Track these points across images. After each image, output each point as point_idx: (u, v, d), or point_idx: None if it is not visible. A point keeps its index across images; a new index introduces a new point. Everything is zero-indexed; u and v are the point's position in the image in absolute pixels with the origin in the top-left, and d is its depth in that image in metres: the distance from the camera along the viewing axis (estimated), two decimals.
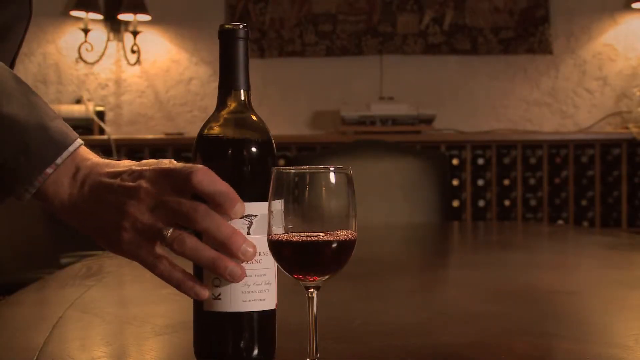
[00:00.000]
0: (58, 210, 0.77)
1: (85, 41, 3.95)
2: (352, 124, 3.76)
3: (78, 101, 4.00)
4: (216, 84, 0.80)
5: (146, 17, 3.96)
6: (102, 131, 3.84)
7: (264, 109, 3.91)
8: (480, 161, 3.76)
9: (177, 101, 4.11)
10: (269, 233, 0.71)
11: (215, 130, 0.77)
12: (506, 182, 3.77)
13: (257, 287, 0.75)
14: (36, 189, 0.76)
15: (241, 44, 0.78)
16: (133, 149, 3.77)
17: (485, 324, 0.98)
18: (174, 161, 0.75)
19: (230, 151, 0.76)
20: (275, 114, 4.00)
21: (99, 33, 4.04)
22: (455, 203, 3.72)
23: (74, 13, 3.92)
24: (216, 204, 0.71)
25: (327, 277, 0.72)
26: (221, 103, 0.78)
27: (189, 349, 0.79)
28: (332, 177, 0.71)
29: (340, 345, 0.85)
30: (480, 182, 3.76)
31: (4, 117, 0.75)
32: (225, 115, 0.78)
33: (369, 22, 4.06)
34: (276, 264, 0.75)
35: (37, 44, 4.06)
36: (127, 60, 4.06)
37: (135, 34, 3.99)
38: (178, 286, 0.74)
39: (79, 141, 0.78)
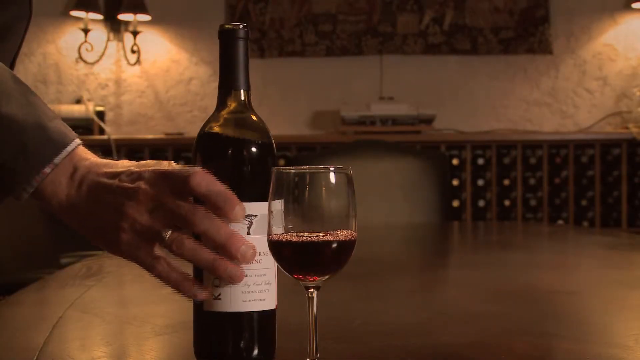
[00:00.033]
0: (56, 210, 0.77)
1: (85, 41, 3.95)
2: (352, 124, 3.76)
3: (78, 101, 4.00)
4: (216, 84, 0.80)
5: (146, 17, 3.96)
6: (102, 131, 3.84)
7: (264, 109, 3.91)
8: (480, 161, 3.76)
9: (177, 101, 4.11)
10: (269, 233, 0.71)
11: (216, 130, 0.77)
12: (506, 182, 3.77)
13: (257, 287, 0.75)
14: (34, 188, 0.76)
15: (241, 44, 0.78)
16: (133, 149, 3.77)
17: (485, 324, 0.98)
18: (173, 163, 0.75)
19: (230, 151, 0.76)
20: (275, 114, 4.00)
21: (99, 33, 4.04)
22: (455, 203, 3.73)
23: (74, 13, 3.92)
24: (215, 207, 0.71)
25: (327, 277, 0.72)
26: (221, 103, 0.78)
27: (189, 349, 0.79)
28: (332, 177, 0.71)
29: (340, 345, 0.85)
30: (480, 182, 3.76)
31: (2, 117, 0.75)
32: (225, 115, 0.78)
33: (369, 22, 4.06)
34: (276, 264, 0.75)
35: (37, 44, 4.06)
36: (127, 60, 4.06)
37: (135, 34, 3.99)
38: (176, 287, 0.74)
39: (77, 141, 0.78)
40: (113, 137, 3.75)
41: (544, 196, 3.76)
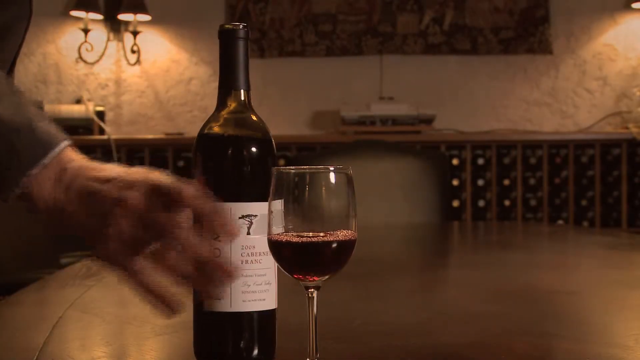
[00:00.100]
0: (42, 212, 0.76)
1: (85, 41, 3.95)
2: (352, 124, 3.76)
3: (78, 101, 4.00)
4: (216, 84, 0.80)
5: (146, 17, 3.96)
6: (102, 131, 3.84)
7: (264, 109, 3.91)
8: (480, 161, 3.76)
9: (177, 101, 4.11)
10: (269, 233, 0.71)
11: (216, 130, 0.77)
12: (506, 182, 3.77)
13: (257, 287, 0.75)
14: (21, 189, 0.75)
15: (241, 44, 0.78)
16: (133, 149, 3.77)
17: (485, 324, 0.98)
18: (163, 172, 0.74)
19: (230, 151, 0.76)
20: (275, 114, 4.00)
21: (99, 33, 4.04)
22: (455, 203, 3.72)
23: (74, 13, 3.92)
24: (204, 222, 0.71)
25: (327, 277, 0.72)
26: (221, 103, 0.78)
27: (189, 349, 0.79)
28: (332, 177, 0.71)
29: (340, 345, 0.85)
30: (480, 182, 3.76)
31: None
32: (225, 115, 0.78)
33: (369, 22, 4.06)
34: (276, 264, 0.75)
35: (37, 44, 4.06)
36: (127, 60, 4.06)
37: (135, 34, 3.99)
38: (155, 299, 0.73)
39: (66, 142, 0.77)
40: (113, 137, 3.75)
41: (544, 196, 3.76)
